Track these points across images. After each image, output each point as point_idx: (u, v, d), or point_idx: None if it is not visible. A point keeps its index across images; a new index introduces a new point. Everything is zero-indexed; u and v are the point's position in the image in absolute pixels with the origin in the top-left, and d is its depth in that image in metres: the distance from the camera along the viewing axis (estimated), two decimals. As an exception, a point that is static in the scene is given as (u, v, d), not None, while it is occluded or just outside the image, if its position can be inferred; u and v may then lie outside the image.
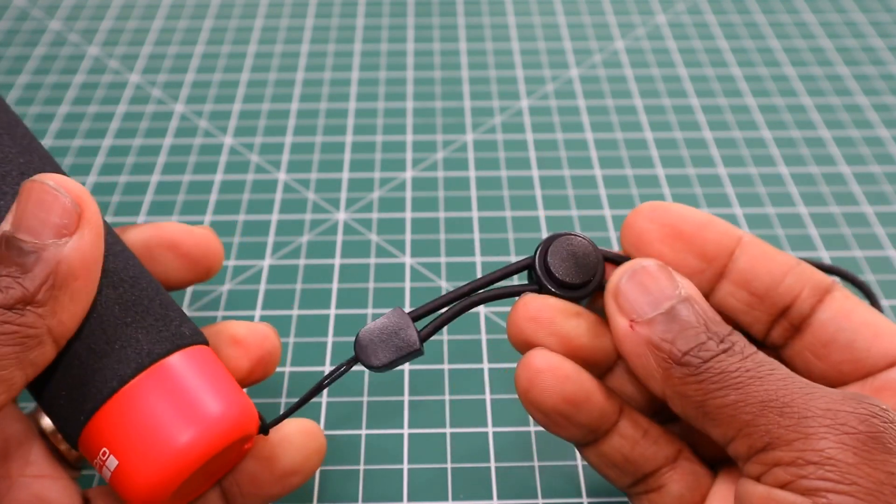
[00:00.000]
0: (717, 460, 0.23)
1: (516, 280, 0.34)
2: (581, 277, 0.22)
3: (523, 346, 0.22)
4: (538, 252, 0.22)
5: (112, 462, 0.20)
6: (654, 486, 0.22)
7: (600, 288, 0.22)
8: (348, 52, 0.47)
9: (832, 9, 0.51)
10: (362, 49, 0.48)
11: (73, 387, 0.20)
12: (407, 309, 0.33)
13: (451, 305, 0.22)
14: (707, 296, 0.22)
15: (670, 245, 0.21)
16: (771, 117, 0.43)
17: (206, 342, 0.22)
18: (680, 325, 0.19)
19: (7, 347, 0.18)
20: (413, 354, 0.22)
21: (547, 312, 0.21)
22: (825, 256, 0.36)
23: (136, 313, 0.21)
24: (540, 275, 0.22)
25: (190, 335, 0.21)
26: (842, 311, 0.21)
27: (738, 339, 0.19)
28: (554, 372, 0.21)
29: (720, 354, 0.19)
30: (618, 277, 0.21)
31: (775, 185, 0.39)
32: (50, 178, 0.19)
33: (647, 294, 0.20)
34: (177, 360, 0.21)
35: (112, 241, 0.22)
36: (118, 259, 0.21)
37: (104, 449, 0.20)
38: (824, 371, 0.21)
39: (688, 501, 0.22)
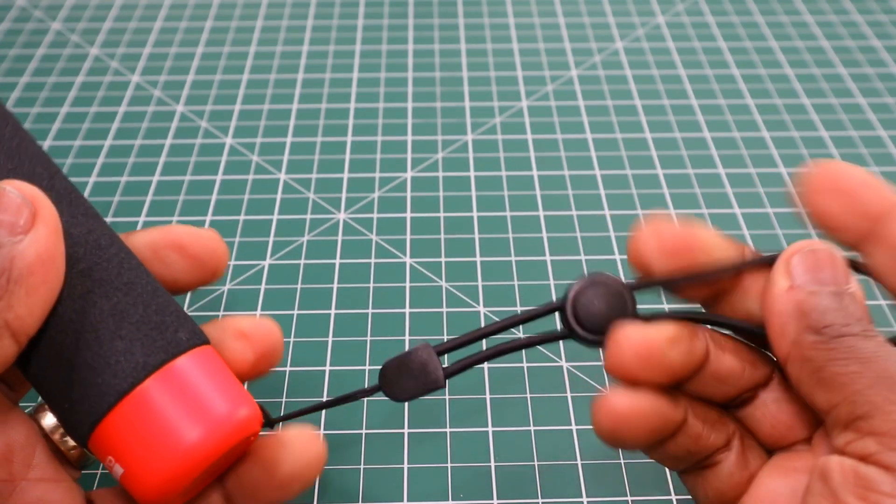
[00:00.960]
0: (771, 445, 0.23)
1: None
2: (613, 319, 0.21)
3: (629, 382, 0.21)
4: (568, 295, 0.22)
5: (118, 469, 0.20)
6: (708, 465, 0.22)
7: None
8: (349, 52, 0.47)
9: (831, 9, 0.51)
10: (362, 49, 0.48)
11: (74, 401, 0.20)
12: (408, 307, 0.33)
13: (479, 351, 0.22)
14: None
15: (837, 201, 0.21)
16: (771, 117, 0.43)
17: (206, 341, 0.22)
18: (838, 306, 0.20)
19: None
20: (436, 390, 0.22)
21: (658, 346, 0.21)
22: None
23: (131, 324, 0.21)
24: (570, 318, 0.21)
25: (188, 339, 0.21)
26: None
27: (880, 336, 0.20)
28: (638, 414, 0.21)
29: (858, 336, 0.19)
30: (799, 247, 0.21)
31: (774, 185, 0.39)
32: (5, 183, 0.20)
33: (819, 272, 0.20)
34: (178, 364, 0.21)
35: (106, 244, 0.22)
36: (111, 264, 0.21)
37: (109, 457, 0.20)
38: None
39: (737, 479, 0.22)
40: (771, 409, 0.22)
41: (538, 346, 0.32)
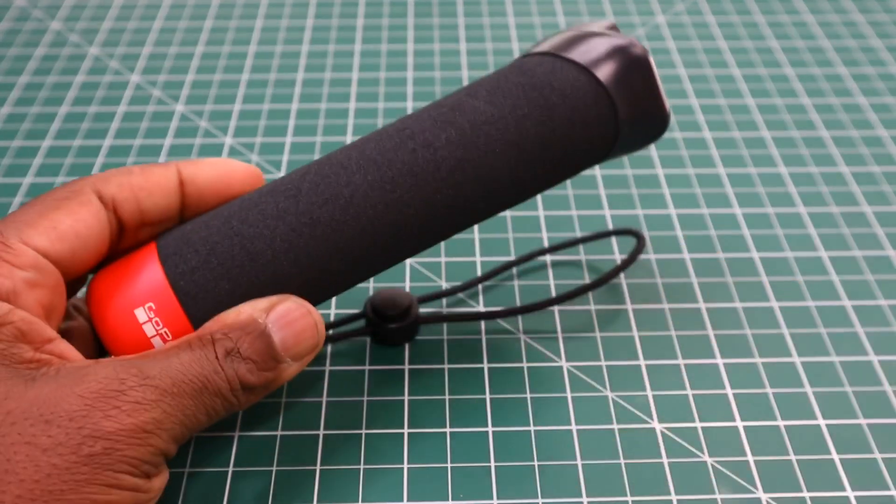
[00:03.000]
0: None
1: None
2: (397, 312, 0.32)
3: None
4: (366, 305, 0.32)
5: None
6: None
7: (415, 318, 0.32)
8: (348, 52, 0.47)
9: (831, 9, 0.51)
10: (362, 49, 0.48)
11: None
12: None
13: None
14: None
15: None
16: (771, 117, 0.43)
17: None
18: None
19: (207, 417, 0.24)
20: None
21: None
22: (824, 256, 0.36)
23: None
24: (370, 317, 0.32)
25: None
26: None
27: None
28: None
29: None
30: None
31: (775, 185, 0.39)
32: (318, 316, 0.26)
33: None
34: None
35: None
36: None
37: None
38: None
39: None
40: None
41: (533, 344, 0.32)
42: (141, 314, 0.25)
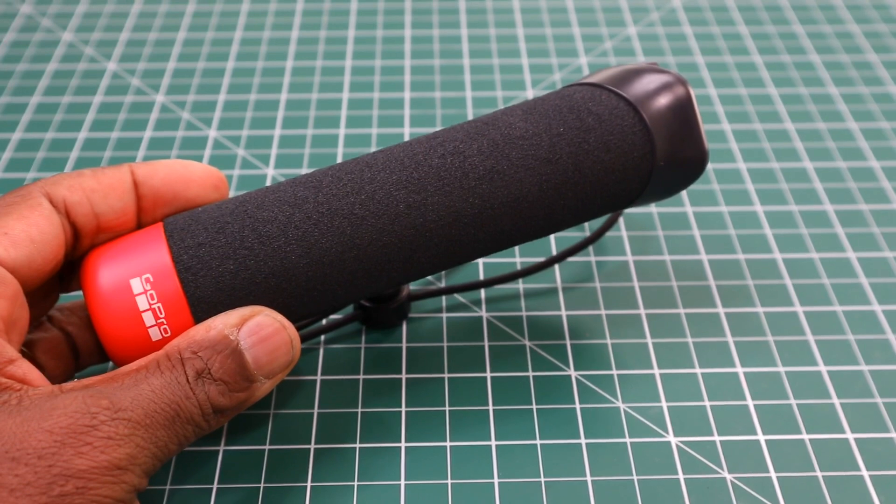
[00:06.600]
0: None
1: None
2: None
3: None
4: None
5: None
6: None
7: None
8: (341, 38, 0.47)
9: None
10: (356, 35, 0.48)
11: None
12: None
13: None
14: None
15: None
16: (795, 108, 0.43)
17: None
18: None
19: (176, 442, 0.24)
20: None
21: None
22: (852, 258, 0.36)
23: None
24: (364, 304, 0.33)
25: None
26: None
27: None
28: None
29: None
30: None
31: (799, 180, 0.39)
32: (293, 330, 0.26)
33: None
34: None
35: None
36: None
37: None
38: None
39: None
40: None
41: (540, 352, 0.32)
42: (136, 285, 0.25)
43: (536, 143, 0.27)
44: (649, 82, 0.28)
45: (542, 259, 0.35)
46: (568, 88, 0.29)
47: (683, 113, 0.28)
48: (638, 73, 0.29)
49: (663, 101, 0.28)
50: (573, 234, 0.37)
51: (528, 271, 0.33)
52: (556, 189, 0.27)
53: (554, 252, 0.36)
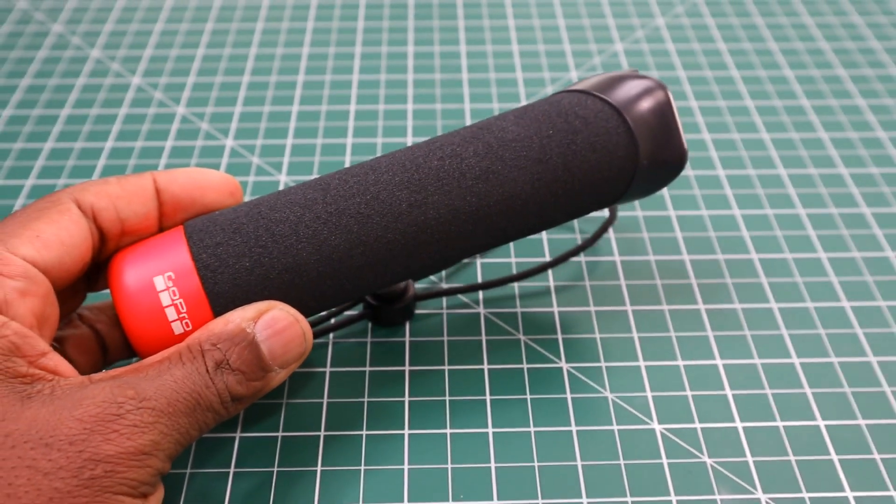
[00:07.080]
0: None
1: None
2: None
3: None
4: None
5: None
6: None
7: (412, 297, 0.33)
8: (349, 54, 0.48)
9: (830, 11, 0.51)
10: (363, 52, 0.48)
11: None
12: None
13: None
14: None
15: None
16: (770, 119, 0.43)
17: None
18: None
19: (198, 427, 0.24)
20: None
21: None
22: (823, 258, 0.36)
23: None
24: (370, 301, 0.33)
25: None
26: None
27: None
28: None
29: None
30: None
31: (774, 186, 0.39)
32: (306, 324, 0.26)
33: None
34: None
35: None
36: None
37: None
38: None
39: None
40: None
41: (533, 346, 0.32)
42: (160, 282, 0.25)
43: (528, 144, 0.27)
44: (632, 87, 0.29)
45: (539, 262, 0.36)
46: (556, 95, 0.29)
47: (664, 115, 0.28)
48: (621, 79, 0.29)
49: (645, 104, 0.28)
50: (566, 236, 0.37)
51: (525, 274, 0.33)
52: (547, 187, 0.27)
53: (547, 254, 0.36)
